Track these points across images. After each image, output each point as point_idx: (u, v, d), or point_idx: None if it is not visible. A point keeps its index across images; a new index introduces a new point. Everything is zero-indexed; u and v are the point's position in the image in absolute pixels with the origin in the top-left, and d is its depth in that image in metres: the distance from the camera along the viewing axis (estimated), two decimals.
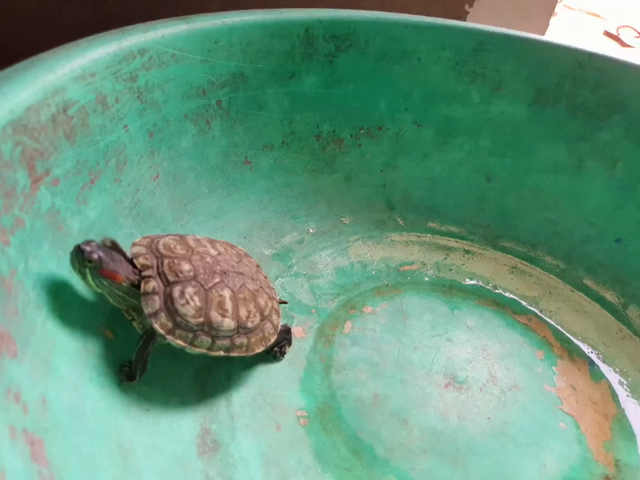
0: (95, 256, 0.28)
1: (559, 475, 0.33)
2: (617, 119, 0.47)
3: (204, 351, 0.31)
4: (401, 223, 0.52)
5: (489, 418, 0.36)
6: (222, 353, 0.32)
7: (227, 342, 0.32)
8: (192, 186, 0.43)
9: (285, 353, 0.38)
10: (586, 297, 0.46)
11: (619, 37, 1.02)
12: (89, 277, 0.29)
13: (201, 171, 0.44)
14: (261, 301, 0.34)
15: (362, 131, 0.52)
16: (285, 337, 0.38)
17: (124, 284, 0.30)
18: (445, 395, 0.37)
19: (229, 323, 0.32)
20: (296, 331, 0.40)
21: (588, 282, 0.47)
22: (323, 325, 0.41)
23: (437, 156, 0.53)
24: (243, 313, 0.32)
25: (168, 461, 0.29)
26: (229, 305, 0.32)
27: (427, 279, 0.47)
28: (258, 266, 0.37)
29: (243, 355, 0.33)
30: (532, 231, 0.51)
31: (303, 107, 0.49)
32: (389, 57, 0.49)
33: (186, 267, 0.31)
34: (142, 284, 0.30)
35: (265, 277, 0.37)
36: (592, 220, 0.49)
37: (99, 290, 0.30)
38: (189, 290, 0.30)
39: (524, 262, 0.49)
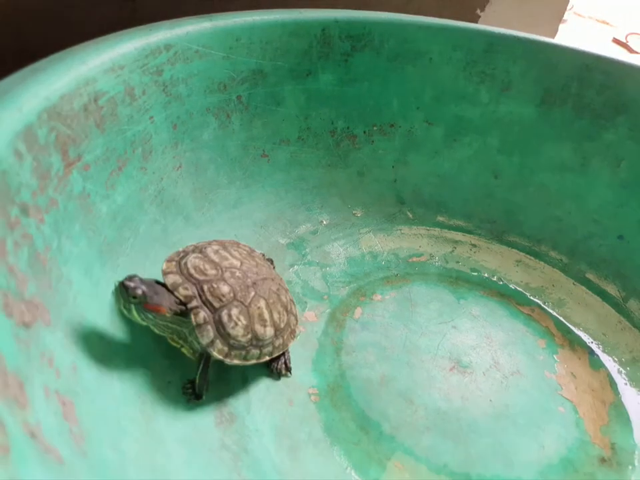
0: (139, 291, 0.29)
1: (557, 455, 0.35)
2: (622, 119, 0.48)
3: (255, 361, 0.34)
4: (411, 216, 0.54)
5: (491, 400, 0.37)
6: (267, 358, 0.34)
7: (270, 347, 0.34)
8: (212, 177, 0.46)
9: (281, 373, 0.37)
10: (588, 290, 0.47)
11: (628, 44, 1.03)
12: (134, 312, 0.30)
13: (221, 162, 0.46)
14: (283, 298, 0.36)
15: (375, 128, 0.54)
16: (282, 357, 0.37)
17: (168, 315, 0.31)
18: (449, 377, 0.38)
19: (270, 332, 0.34)
20: (309, 315, 0.42)
21: (590, 276, 0.48)
22: (334, 310, 0.43)
23: (447, 153, 0.54)
24: (276, 316, 0.35)
25: (187, 429, 0.31)
26: (266, 315, 0.34)
27: (434, 270, 0.49)
28: (264, 256, 0.39)
29: (281, 352, 0.36)
30: (537, 227, 0.52)
31: (319, 103, 0.51)
32: (402, 57, 0.51)
33: (225, 289, 0.32)
34: (192, 316, 0.31)
35: (270, 266, 0.39)
36: (595, 217, 0.50)
37: (144, 323, 0.31)
38: (234, 312, 0.32)
39: (528, 256, 0.51)
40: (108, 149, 0.34)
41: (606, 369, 0.41)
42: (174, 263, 0.33)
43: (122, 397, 0.30)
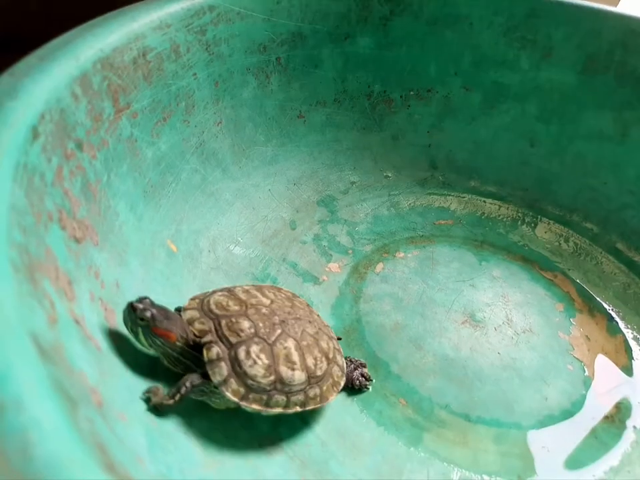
0: (148, 314, 0.27)
1: (559, 407, 0.36)
2: None
3: (280, 410, 0.29)
4: (442, 181, 0.55)
5: (499, 353, 0.39)
6: (298, 409, 0.30)
7: (301, 396, 0.30)
8: (250, 134, 0.49)
9: (364, 384, 0.36)
10: (615, 260, 0.47)
11: None
12: (142, 336, 0.28)
13: (259, 121, 0.49)
14: (324, 344, 0.32)
15: (411, 93, 0.55)
16: (355, 369, 0.36)
17: (178, 343, 0.28)
18: (460, 330, 0.40)
19: (299, 376, 0.30)
20: (332, 266, 0.45)
21: (620, 246, 0.48)
22: (357, 264, 0.46)
23: (483, 120, 0.55)
24: (310, 361, 0.30)
25: None
26: (295, 357, 0.30)
27: (460, 233, 0.50)
28: (308, 305, 0.35)
29: (318, 406, 0.31)
30: (570, 197, 0.52)
31: (356, 67, 0.53)
32: (442, 21, 0.52)
33: (245, 324, 0.29)
34: (204, 351, 0.28)
35: (318, 316, 0.35)
36: (632, 188, 0.50)
37: (152, 351, 0.29)
38: (254, 348, 0.29)
39: (558, 225, 0.51)
40: (154, 100, 0.38)
41: (623, 334, 0.42)
42: (197, 300, 0.31)
43: None
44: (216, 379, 0.28)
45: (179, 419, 0.28)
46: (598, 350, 0.40)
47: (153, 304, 0.28)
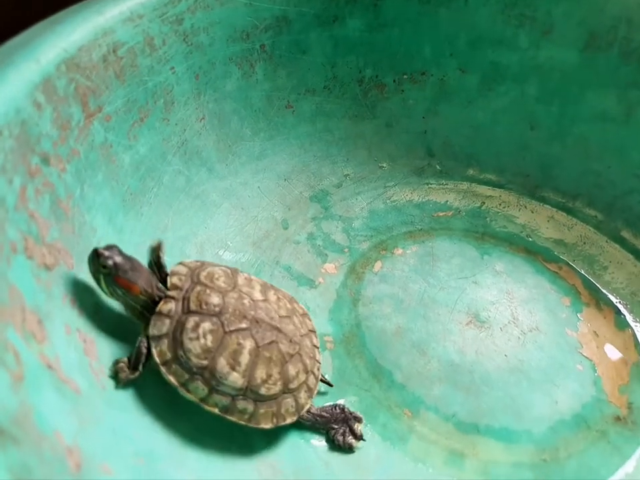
0: (110, 262, 0.26)
1: (570, 411, 0.35)
2: None
3: (196, 400, 0.27)
4: (440, 169, 0.52)
5: (506, 355, 0.37)
6: (216, 411, 0.27)
7: (226, 400, 0.27)
8: (236, 128, 0.46)
9: (358, 438, 0.31)
10: (621, 249, 0.45)
11: None
12: (103, 284, 0.27)
13: (245, 114, 0.46)
14: (291, 370, 0.29)
15: (405, 77, 0.52)
16: (343, 421, 0.32)
17: (141, 296, 0.27)
18: (465, 331, 0.39)
19: (235, 378, 0.27)
20: (328, 267, 0.43)
21: (625, 234, 0.46)
22: (354, 263, 0.44)
23: (481, 103, 0.52)
24: (259, 373, 0.28)
25: None
26: (244, 359, 0.27)
27: (460, 225, 0.48)
28: (312, 331, 0.33)
29: (243, 423, 0.28)
30: (573, 182, 0.50)
31: (346, 51, 0.50)
32: None
33: (215, 300, 0.28)
34: (161, 302, 0.28)
35: (315, 347, 0.32)
36: (637, 172, 0.47)
37: (113, 298, 0.28)
38: (206, 325, 0.27)
39: (561, 212, 0.49)
40: (129, 100, 0.35)
41: (632, 328, 0.40)
42: (198, 263, 0.30)
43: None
44: (152, 331, 0.27)
45: (170, 449, 0.27)
46: (607, 346, 0.39)
47: (120, 252, 0.27)
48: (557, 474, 0.32)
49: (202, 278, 0.29)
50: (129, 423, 0.25)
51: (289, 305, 0.31)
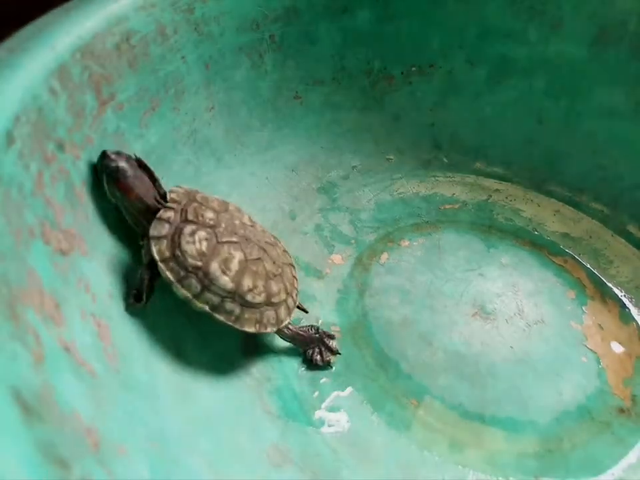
0: (114, 165, 0.29)
1: (574, 403, 0.35)
2: None
3: (189, 296, 0.29)
4: (447, 162, 0.53)
5: (511, 347, 0.38)
6: (206, 308, 0.30)
7: (216, 299, 0.30)
8: (245, 118, 0.46)
9: (327, 360, 0.35)
10: (627, 243, 0.46)
11: None
12: (105, 183, 0.30)
13: (254, 104, 0.46)
14: (274, 287, 0.32)
15: (413, 69, 0.52)
16: (318, 341, 0.35)
17: (137, 203, 0.30)
18: (471, 323, 0.39)
19: (225, 281, 0.30)
20: (335, 258, 0.43)
21: (631, 228, 0.46)
22: (361, 254, 0.44)
23: (489, 96, 0.52)
24: (246, 282, 0.30)
25: (215, 356, 0.33)
26: (234, 266, 0.30)
27: (467, 218, 0.48)
28: (292, 265, 0.35)
29: (229, 323, 0.30)
30: (580, 176, 0.50)
31: (355, 42, 0.50)
32: None
33: (209, 215, 0.31)
34: (161, 210, 0.30)
35: (294, 277, 0.35)
36: None
37: (113, 200, 0.30)
38: (201, 233, 0.30)
39: (567, 206, 0.49)
40: (141, 88, 0.35)
41: (636, 322, 0.40)
42: (194, 190, 0.33)
43: (154, 325, 0.32)
44: (153, 232, 0.29)
45: (181, 433, 0.27)
46: (611, 339, 0.39)
47: (127, 159, 0.30)
48: (561, 464, 0.32)
49: (198, 198, 0.31)
50: (142, 406, 0.26)
51: (272, 239, 0.35)
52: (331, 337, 0.36)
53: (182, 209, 0.30)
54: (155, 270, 0.30)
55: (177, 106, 0.39)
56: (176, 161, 0.39)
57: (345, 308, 0.39)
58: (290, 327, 0.34)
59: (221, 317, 0.30)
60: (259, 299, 0.31)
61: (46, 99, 0.26)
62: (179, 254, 0.29)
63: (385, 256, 0.44)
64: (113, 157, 0.29)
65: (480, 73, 0.52)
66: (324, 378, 0.35)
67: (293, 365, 0.35)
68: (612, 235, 0.46)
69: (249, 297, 0.31)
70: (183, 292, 0.29)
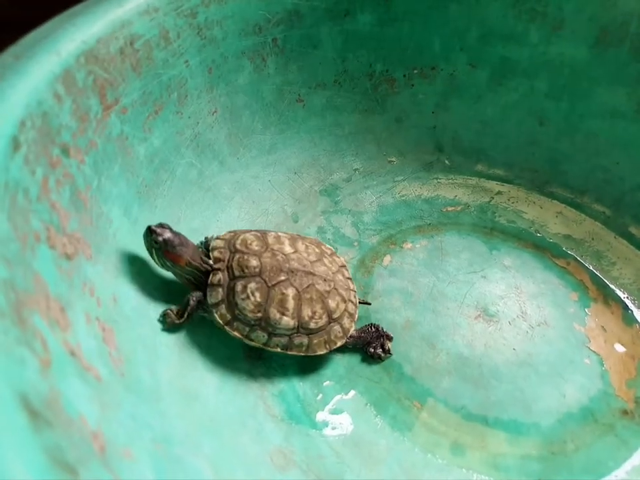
0: (161, 238, 0.31)
1: (577, 405, 0.35)
2: None
3: (260, 345, 0.32)
4: (449, 164, 0.53)
5: (514, 349, 0.38)
6: (279, 350, 0.32)
7: (284, 340, 0.32)
8: (247, 122, 0.46)
9: (386, 352, 0.36)
10: (629, 245, 0.46)
11: None
12: (155, 256, 0.32)
13: (256, 107, 0.47)
14: (331, 303, 0.34)
15: (415, 71, 0.52)
16: (377, 338, 0.37)
17: (187, 267, 0.32)
18: (474, 325, 0.39)
19: (287, 322, 0.32)
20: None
21: (633, 230, 0.46)
22: (363, 257, 0.44)
23: (490, 98, 0.52)
24: (306, 312, 0.32)
25: (218, 359, 0.33)
26: (290, 304, 0.32)
27: (469, 220, 0.48)
28: (343, 266, 0.37)
29: (302, 354, 0.33)
30: (582, 178, 0.50)
31: (357, 45, 0.50)
32: None
33: (253, 262, 0.32)
34: (210, 275, 0.32)
35: (348, 279, 0.37)
36: None
37: (164, 269, 0.33)
38: (252, 285, 0.32)
39: (569, 208, 0.49)
40: (144, 92, 0.35)
41: (639, 324, 0.40)
42: (231, 233, 0.34)
43: (159, 327, 0.32)
44: (210, 300, 0.32)
45: (185, 435, 0.27)
46: (614, 341, 0.39)
47: (170, 230, 0.32)
48: (565, 466, 0.32)
49: (238, 246, 0.33)
50: (147, 409, 0.26)
51: (317, 250, 0.35)
52: (389, 338, 0.37)
53: (227, 267, 0.32)
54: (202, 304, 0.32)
55: (180, 110, 0.39)
56: (179, 164, 0.39)
57: None
58: (353, 332, 0.35)
59: (293, 352, 0.33)
60: (322, 322, 0.33)
61: (51, 104, 0.27)
62: (239, 312, 0.31)
63: (387, 258, 0.44)
64: (158, 231, 0.31)
65: (481, 75, 0.52)
66: (327, 381, 0.35)
67: (296, 369, 0.35)
68: (614, 237, 0.46)
69: (312, 325, 0.33)
70: (253, 344, 0.32)
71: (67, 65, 0.28)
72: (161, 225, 0.32)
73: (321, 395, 0.34)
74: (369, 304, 0.39)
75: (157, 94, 0.37)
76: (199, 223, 0.40)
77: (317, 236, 0.45)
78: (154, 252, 0.32)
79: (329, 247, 0.38)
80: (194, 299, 0.32)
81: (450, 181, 0.52)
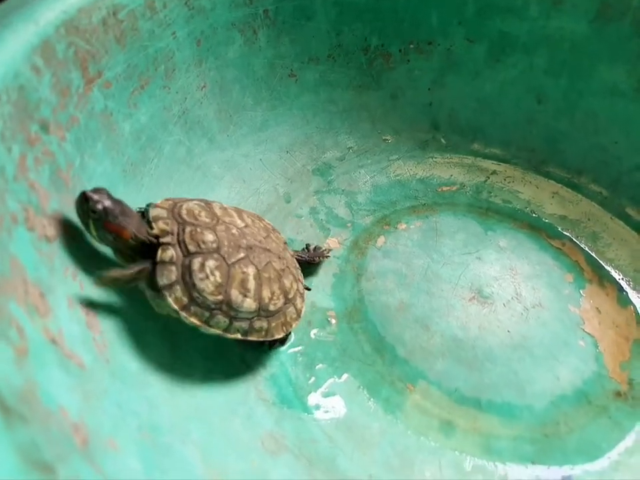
0: (100, 206, 0.25)
1: (571, 387, 0.35)
2: None
3: (219, 332, 0.28)
4: (444, 143, 0.52)
5: (509, 331, 0.37)
6: (239, 336, 0.29)
7: (245, 324, 0.29)
8: (238, 97, 0.45)
9: (323, 255, 0.39)
10: (625, 226, 0.45)
11: None
12: (92, 229, 0.26)
13: (247, 82, 0.45)
14: (286, 283, 0.31)
15: (411, 46, 0.51)
16: (314, 251, 0.40)
17: (131, 242, 0.27)
18: (468, 307, 0.38)
19: (249, 304, 0.29)
20: (331, 242, 0.42)
21: (630, 211, 0.46)
22: (357, 238, 0.43)
23: (488, 74, 0.51)
24: (265, 293, 0.30)
25: (208, 344, 0.33)
26: (251, 284, 0.29)
27: (464, 200, 0.47)
28: (285, 243, 0.35)
29: (261, 339, 0.30)
30: (579, 157, 0.49)
31: (352, 18, 0.48)
32: None
33: (209, 237, 0.28)
34: (159, 251, 0.27)
35: (292, 256, 0.35)
36: None
37: (103, 244, 0.28)
38: (210, 263, 0.27)
39: (566, 188, 0.48)
40: (129, 65, 0.34)
41: (634, 306, 0.40)
42: (170, 202, 0.29)
43: (146, 312, 0.31)
44: (162, 281, 0.27)
45: (173, 422, 0.26)
46: (609, 323, 0.39)
47: (109, 196, 0.26)
48: (558, 449, 0.32)
49: (185, 217, 0.28)
50: (133, 396, 0.25)
51: (261, 224, 0.33)
52: (319, 248, 0.40)
53: (179, 241, 0.27)
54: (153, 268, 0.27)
55: (167, 84, 0.38)
56: (167, 142, 0.38)
57: (341, 292, 0.39)
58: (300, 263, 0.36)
59: (253, 338, 0.30)
60: (279, 303, 0.31)
61: (28, 77, 0.25)
62: (197, 295, 0.27)
63: (381, 239, 0.43)
64: (95, 197, 0.26)
65: (479, 51, 0.50)
66: (320, 364, 0.34)
67: (288, 351, 0.35)
68: (611, 218, 0.46)
69: (271, 307, 0.30)
70: (213, 331, 0.28)
71: (45, 35, 0.27)
72: (97, 190, 0.26)
73: (313, 378, 0.34)
74: (309, 289, 0.36)
75: (143, 67, 0.35)
76: None
77: (310, 217, 0.44)
78: (91, 223, 0.26)
79: (268, 221, 0.35)
80: (140, 265, 0.27)
81: (445, 159, 0.50)
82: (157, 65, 0.36)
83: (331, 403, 0.33)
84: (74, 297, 0.24)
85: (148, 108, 0.36)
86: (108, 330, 0.26)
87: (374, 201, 0.46)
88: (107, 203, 0.26)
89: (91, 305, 0.26)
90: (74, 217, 0.27)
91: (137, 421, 0.23)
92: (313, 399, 0.33)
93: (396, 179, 0.48)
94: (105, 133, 0.32)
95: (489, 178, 0.49)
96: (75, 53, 0.29)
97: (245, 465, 0.27)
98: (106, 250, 0.30)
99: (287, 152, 0.47)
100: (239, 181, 0.43)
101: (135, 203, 0.33)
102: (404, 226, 0.44)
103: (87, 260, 0.27)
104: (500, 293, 0.39)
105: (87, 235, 0.28)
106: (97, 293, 0.27)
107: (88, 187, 0.30)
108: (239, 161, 0.44)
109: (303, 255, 0.38)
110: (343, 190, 0.47)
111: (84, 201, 0.26)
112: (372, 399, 0.33)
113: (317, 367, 0.34)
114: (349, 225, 0.44)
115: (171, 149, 0.38)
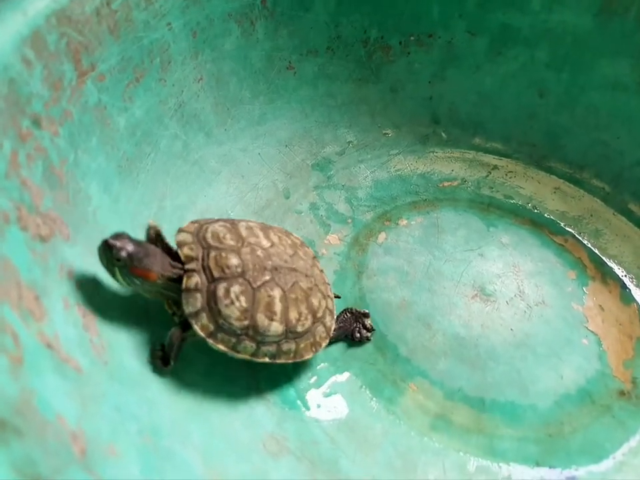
0: (124, 253, 0.25)
1: (575, 386, 0.35)
2: None
3: (247, 357, 0.28)
4: (445, 137, 0.51)
5: (512, 329, 0.37)
6: (267, 360, 0.29)
7: (272, 348, 0.29)
8: (235, 90, 0.44)
9: (369, 330, 0.35)
10: (628, 222, 0.45)
11: None
12: (119, 276, 0.26)
13: (244, 75, 0.44)
14: (314, 301, 0.31)
15: (412, 39, 0.50)
16: (355, 321, 0.35)
17: (159, 281, 0.27)
18: (470, 305, 0.38)
19: (276, 328, 0.28)
20: (331, 238, 0.42)
21: (633, 207, 0.45)
22: (357, 234, 0.42)
23: (489, 68, 0.50)
24: (293, 315, 0.29)
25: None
26: (278, 307, 0.28)
27: (465, 195, 0.47)
28: (314, 258, 0.33)
29: (290, 361, 0.30)
30: (581, 152, 0.49)
31: (351, 9, 0.47)
32: None
33: (234, 261, 0.28)
34: (184, 278, 0.27)
35: (321, 271, 0.34)
36: None
37: (130, 288, 0.28)
38: (235, 288, 0.27)
39: (568, 183, 0.48)
40: (123, 58, 0.33)
41: (637, 303, 0.40)
42: (196, 225, 0.29)
43: (145, 311, 0.30)
44: (188, 309, 0.27)
45: (174, 425, 0.26)
46: (612, 321, 0.38)
47: (130, 239, 0.26)
48: (562, 449, 0.32)
49: (210, 240, 0.28)
50: (132, 398, 0.24)
51: (289, 241, 0.32)
52: (366, 316, 0.36)
53: (203, 267, 0.27)
54: (188, 329, 0.28)
55: (162, 77, 0.37)
56: (163, 136, 0.37)
57: (342, 290, 0.38)
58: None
59: (281, 361, 0.29)
60: (307, 323, 0.30)
61: (19, 70, 0.24)
62: (223, 322, 0.27)
63: (382, 236, 0.42)
64: (118, 244, 0.25)
65: (480, 44, 0.49)
66: (321, 363, 0.34)
67: None
68: (613, 214, 0.45)
69: (299, 328, 0.30)
70: (241, 357, 0.28)
71: (35, 25, 0.26)
72: (119, 236, 0.26)
73: (315, 378, 0.33)
74: (339, 297, 0.36)
75: (138, 60, 0.34)
76: (185, 198, 0.38)
77: (310, 213, 0.43)
78: (117, 271, 0.26)
79: (296, 236, 0.34)
80: (175, 339, 0.28)
81: (446, 154, 0.50)
82: (152, 57, 0.35)
83: (333, 404, 0.32)
84: (70, 297, 0.24)
85: (143, 101, 0.35)
86: (106, 330, 0.25)
87: (374, 196, 0.46)
88: (130, 247, 0.26)
89: (87, 305, 0.25)
90: (68, 216, 0.26)
91: (136, 425, 0.23)
92: (315, 398, 0.32)
93: (396, 174, 0.48)
94: (99, 127, 0.31)
95: (490, 173, 0.49)
96: (67, 45, 0.28)
97: (245, 466, 0.27)
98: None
99: (286, 146, 0.46)
100: (237, 176, 0.42)
101: (131, 199, 0.32)
102: (405, 222, 0.44)
103: (83, 260, 0.27)
104: (503, 291, 0.39)
105: (83, 232, 0.27)
106: (93, 293, 0.26)
107: (82, 183, 0.29)
108: (237, 156, 0.43)
109: (341, 326, 0.35)
110: (343, 185, 0.46)
111: (107, 249, 0.25)
112: (374, 399, 0.33)
113: (319, 366, 0.34)
114: (349, 220, 0.43)
115: (167, 144, 0.37)
